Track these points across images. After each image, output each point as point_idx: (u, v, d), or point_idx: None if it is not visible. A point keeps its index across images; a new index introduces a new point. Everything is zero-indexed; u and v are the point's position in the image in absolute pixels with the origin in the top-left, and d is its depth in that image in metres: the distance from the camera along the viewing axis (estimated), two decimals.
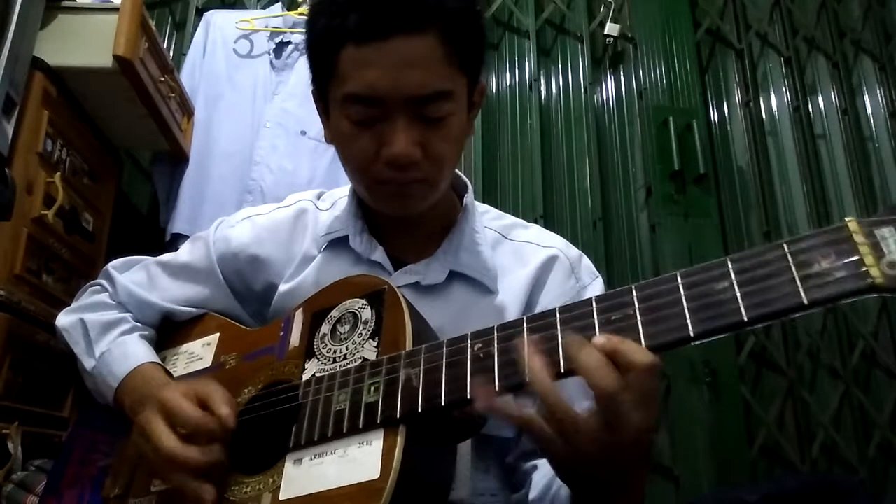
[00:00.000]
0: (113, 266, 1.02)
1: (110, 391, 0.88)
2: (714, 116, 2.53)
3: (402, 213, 0.87)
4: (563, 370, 0.58)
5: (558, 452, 0.58)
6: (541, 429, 0.58)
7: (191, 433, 0.72)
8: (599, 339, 0.57)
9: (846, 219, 0.54)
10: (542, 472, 0.82)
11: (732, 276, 0.55)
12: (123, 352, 0.89)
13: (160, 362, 0.91)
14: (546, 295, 0.90)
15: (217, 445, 0.72)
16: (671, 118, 2.38)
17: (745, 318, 0.54)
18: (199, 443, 0.72)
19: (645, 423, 0.56)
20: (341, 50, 0.78)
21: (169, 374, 0.91)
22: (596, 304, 0.61)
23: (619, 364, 0.55)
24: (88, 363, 0.91)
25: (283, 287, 0.93)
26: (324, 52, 0.81)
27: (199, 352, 0.93)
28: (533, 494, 0.81)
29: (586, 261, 0.96)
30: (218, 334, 0.93)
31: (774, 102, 2.60)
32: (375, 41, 0.75)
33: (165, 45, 2.12)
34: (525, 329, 0.63)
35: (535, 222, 1.03)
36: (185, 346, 0.95)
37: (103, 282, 1.01)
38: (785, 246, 0.55)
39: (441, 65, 0.77)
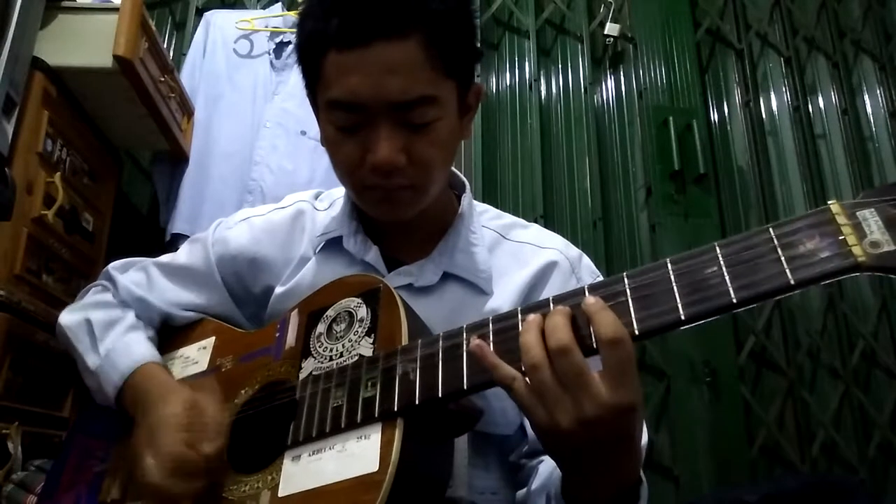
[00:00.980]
0: (113, 267, 1.02)
1: (113, 388, 0.88)
2: (714, 116, 2.53)
3: (391, 218, 0.87)
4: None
5: (541, 422, 0.59)
6: (522, 393, 0.59)
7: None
8: (590, 298, 0.59)
9: (829, 202, 0.55)
10: (548, 464, 0.82)
11: (721, 260, 0.57)
12: (128, 350, 0.89)
13: (162, 362, 0.91)
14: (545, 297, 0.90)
15: (201, 479, 0.74)
16: (671, 118, 2.38)
17: (735, 300, 0.55)
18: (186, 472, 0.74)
19: (621, 399, 0.57)
20: (325, 55, 0.78)
21: (169, 371, 0.91)
22: (589, 291, 0.62)
23: (594, 336, 0.58)
24: (92, 361, 0.90)
25: (279, 289, 0.93)
26: (310, 57, 0.81)
27: (194, 355, 0.93)
28: (536, 484, 0.81)
29: (586, 260, 0.96)
30: (214, 337, 0.93)
31: (774, 102, 2.61)
32: (357, 47, 0.75)
33: (165, 45, 2.12)
34: (520, 320, 0.64)
35: (535, 222, 1.02)
36: (180, 351, 0.95)
37: (105, 282, 1.01)
38: (771, 230, 0.56)
39: (424, 70, 0.77)
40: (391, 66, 0.75)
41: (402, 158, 0.78)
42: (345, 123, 0.80)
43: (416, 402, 0.65)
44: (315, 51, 0.79)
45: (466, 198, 0.95)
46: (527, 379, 0.59)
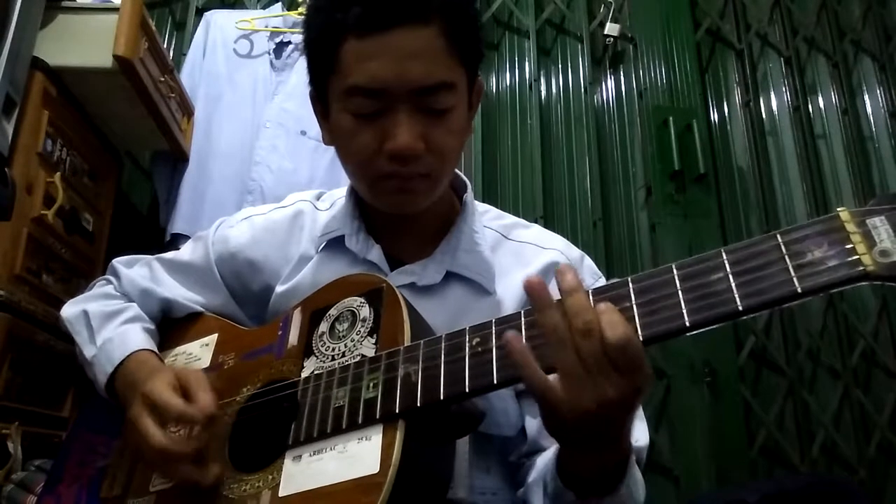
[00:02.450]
0: (118, 261, 1.04)
1: (105, 376, 0.88)
2: (714, 116, 2.53)
3: (404, 209, 0.87)
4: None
5: (559, 403, 0.58)
6: (547, 383, 0.59)
7: (173, 421, 0.74)
8: (601, 306, 0.59)
9: (838, 209, 0.54)
10: (543, 457, 0.82)
11: (727, 266, 0.56)
12: (123, 340, 0.89)
13: (156, 350, 0.91)
14: None
15: (202, 432, 0.74)
16: (671, 118, 2.38)
17: (740, 308, 0.55)
18: (186, 431, 0.74)
19: (637, 383, 0.57)
20: (342, 44, 0.78)
21: (162, 360, 0.91)
22: (593, 296, 0.61)
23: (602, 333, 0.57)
24: (89, 351, 0.91)
25: (280, 288, 0.93)
26: (324, 48, 0.81)
27: (197, 352, 0.93)
28: (532, 477, 0.81)
29: (588, 261, 0.96)
30: (216, 335, 0.93)
31: (774, 102, 2.60)
32: (377, 33, 0.76)
33: (165, 45, 2.12)
34: (523, 322, 0.63)
35: (535, 222, 1.03)
36: (183, 347, 0.95)
37: (109, 276, 1.03)
38: (778, 236, 0.55)
39: (443, 56, 0.78)
40: (413, 51, 0.76)
41: (421, 145, 0.79)
42: (364, 110, 0.79)
43: (418, 404, 0.65)
44: (330, 41, 0.79)
45: (468, 197, 0.95)
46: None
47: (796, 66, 2.62)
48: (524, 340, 0.61)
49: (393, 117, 0.78)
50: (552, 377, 0.59)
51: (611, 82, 2.53)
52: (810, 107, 2.59)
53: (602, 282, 0.94)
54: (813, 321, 2.32)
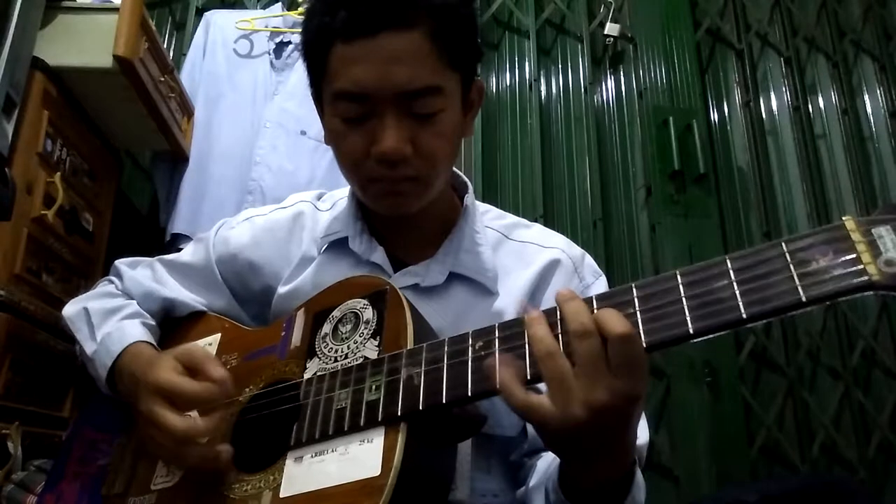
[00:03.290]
0: (121, 262, 1.04)
1: (106, 371, 0.88)
2: (714, 116, 2.53)
3: (396, 212, 0.87)
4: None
5: (551, 414, 0.58)
6: (539, 405, 0.59)
7: (191, 404, 0.74)
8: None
9: (843, 217, 0.54)
10: (545, 459, 0.82)
11: (731, 274, 0.56)
12: (121, 334, 0.89)
13: (154, 343, 0.91)
14: (548, 297, 0.90)
15: (218, 409, 0.74)
16: (671, 118, 2.38)
17: (744, 316, 0.54)
18: (202, 411, 0.74)
19: (632, 389, 0.57)
20: (331, 48, 0.79)
21: (157, 349, 0.90)
22: (597, 301, 0.61)
23: (601, 332, 0.57)
24: (90, 347, 0.91)
25: (281, 289, 0.93)
26: (316, 52, 0.82)
27: None
28: (533, 481, 0.80)
29: (589, 259, 0.96)
30: (219, 334, 0.93)
31: (774, 102, 2.60)
32: (363, 38, 0.76)
33: (165, 45, 2.12)
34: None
35: (535, 222, 1.03)
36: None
37: (111, 276, 1.04)
38: (783, 244, 0.55)
39: (430, 60, 0.78)
40: (397, 55, 0.76)
41: (408, 148, 0.79)
42: (351, 115, 0.80)
43: (420, 407, 0.65)
44: (321, 45, 0.80)
45: (469, 198, 0.95)
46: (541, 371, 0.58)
47: (796, 66, 2.62)
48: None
49: (379, 121, 0.79)
50: (540, 396, 0.59)
51: (611, 82, 2.53)
52: (810, 107, 2.59)
53: (603, 280, 0.94)
54: (813, 321, 2.32)
